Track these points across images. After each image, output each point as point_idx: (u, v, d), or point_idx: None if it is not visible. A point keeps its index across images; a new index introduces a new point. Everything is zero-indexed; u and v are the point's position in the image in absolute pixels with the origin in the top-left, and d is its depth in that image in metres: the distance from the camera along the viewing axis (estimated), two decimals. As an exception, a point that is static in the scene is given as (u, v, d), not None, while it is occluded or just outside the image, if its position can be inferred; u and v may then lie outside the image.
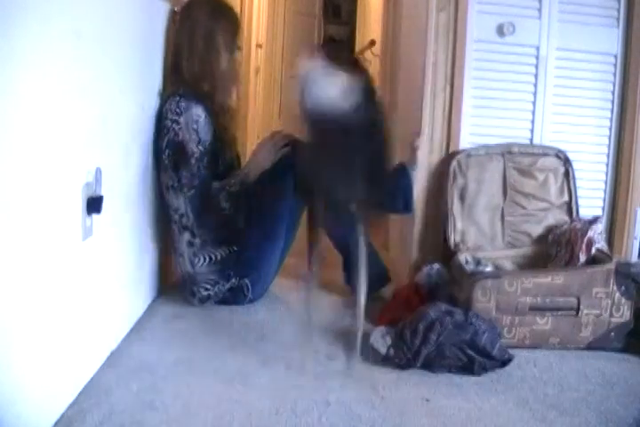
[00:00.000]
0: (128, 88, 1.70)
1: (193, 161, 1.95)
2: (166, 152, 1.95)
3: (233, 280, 2.05)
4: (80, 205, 1.36)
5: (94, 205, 1.39)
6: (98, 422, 1.31)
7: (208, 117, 1.99)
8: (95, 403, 1.38)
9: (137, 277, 1.89)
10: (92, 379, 1.48)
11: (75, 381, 1.42)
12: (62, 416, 1.31)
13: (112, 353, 1.63)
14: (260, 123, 4.30)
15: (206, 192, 2.00)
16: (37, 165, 1.15)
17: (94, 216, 1.41)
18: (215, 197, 2.01)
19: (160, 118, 1.96)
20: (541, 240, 2.13)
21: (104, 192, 1.43)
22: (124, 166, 1.70)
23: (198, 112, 1.96)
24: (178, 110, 1.93)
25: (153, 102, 1.96)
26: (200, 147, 1.95)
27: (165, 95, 2.01)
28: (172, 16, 2.08)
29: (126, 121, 1.70)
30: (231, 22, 2.10)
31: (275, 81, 4.99)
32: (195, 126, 1.94)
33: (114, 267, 1.65)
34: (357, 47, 5.16)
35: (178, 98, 1.96)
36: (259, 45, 4.18)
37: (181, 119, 1.93)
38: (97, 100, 1.44)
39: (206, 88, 2.03)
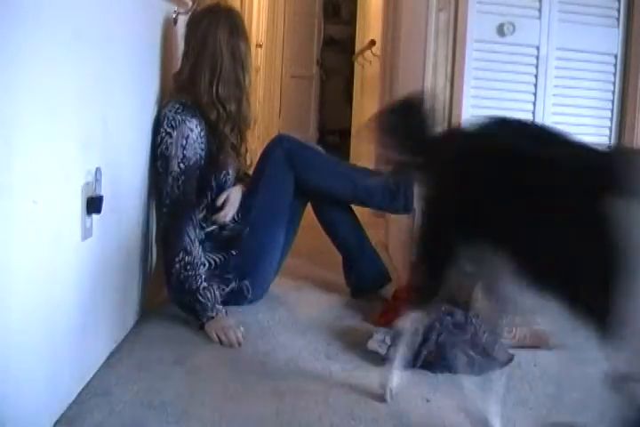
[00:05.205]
0: (128, 88, 1.70)
1: (170, 180, 1.89)
2: (157, 160, 1.92)
3: (233, 284, 2.04)
4: (80, 205, 1.36)
5: (94, 205, 1.39)
6: (98, 422, 1.31)
7: (204, 132, 1.95)
8: (95, 403, 1.38)
9: (137, 277, 1.88)
10: (91, 379, 1.48)
11: (75, 381, 1.42)
12: (62, 416, 1.31)
13: (112, 353, 1.63)
14: (260, 123, 4.30)
15: (178, 215, 1.90)
16: (37, 164, 1.15)
17: (94, 216, 1.41)
18: (185, 225, 1.89)
19: (158, 121, 1.93)
20: (541, 240, 2.12)
21: (104, 192, 1.43)
22: (123, 166, 1.70)
23: (192, 126, 1.90)
24: (174, 123, 1.89)
25: (152, 102, 1.95)
26: (181, 165, 1.89)
27: (167, 99, 1.98)
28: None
29: (126, 121, 1.70)
30: (247, 37, 2.06)
31: (275, 81, 4.99)
32: (183, 142, 1.89)
33: (113, 267, 1.65)
34: (357, 47, 5.16)
35: (178, 106, 1.91)
36: (259, 45, 4.18)
37: (174, 133, 1.89)
38: (97, 100, 1.44)
39: (233, 108, 1.98)
